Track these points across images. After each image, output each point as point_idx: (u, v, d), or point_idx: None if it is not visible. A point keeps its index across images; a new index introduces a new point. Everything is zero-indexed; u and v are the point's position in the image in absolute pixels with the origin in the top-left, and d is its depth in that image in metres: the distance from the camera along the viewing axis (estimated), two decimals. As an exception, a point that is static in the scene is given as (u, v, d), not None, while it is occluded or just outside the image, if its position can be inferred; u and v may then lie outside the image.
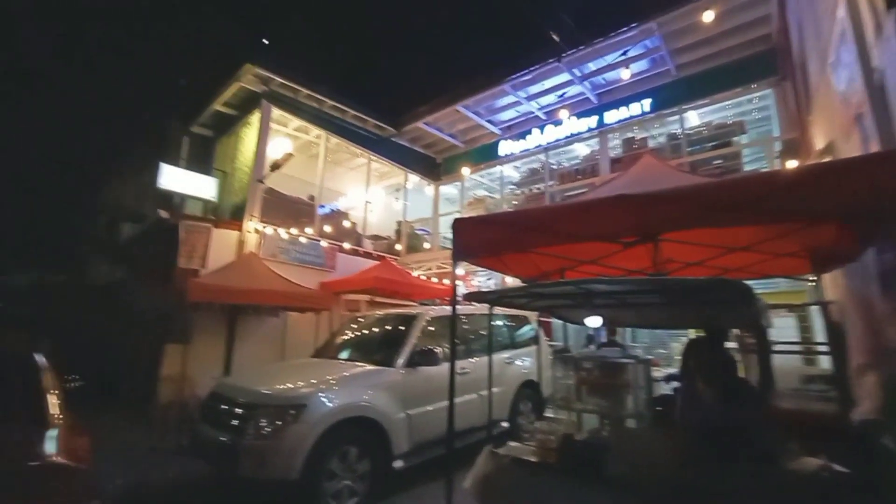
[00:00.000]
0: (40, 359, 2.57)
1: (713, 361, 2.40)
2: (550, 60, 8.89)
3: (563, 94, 9.69)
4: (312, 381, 3.93)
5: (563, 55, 8.69)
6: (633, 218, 2.44)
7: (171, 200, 9.57)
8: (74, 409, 2.58)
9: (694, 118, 8.74)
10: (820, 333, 4.49)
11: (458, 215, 8.99)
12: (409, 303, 8.72)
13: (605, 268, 3.59)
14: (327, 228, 9.92)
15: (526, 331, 6.43)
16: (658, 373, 4.53)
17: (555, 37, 8.57)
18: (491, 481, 2.41)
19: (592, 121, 9.40)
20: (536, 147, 10.27)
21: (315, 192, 10.22)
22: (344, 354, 5.03)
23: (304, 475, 3.38)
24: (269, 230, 8.54)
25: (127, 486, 4.16)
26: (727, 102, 8.25)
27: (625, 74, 8.48)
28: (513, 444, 2.77)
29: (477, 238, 2.99)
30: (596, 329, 5.50)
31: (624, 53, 7.88)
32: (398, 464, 4.03)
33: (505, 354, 5.76)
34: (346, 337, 5.46)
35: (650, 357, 4.40)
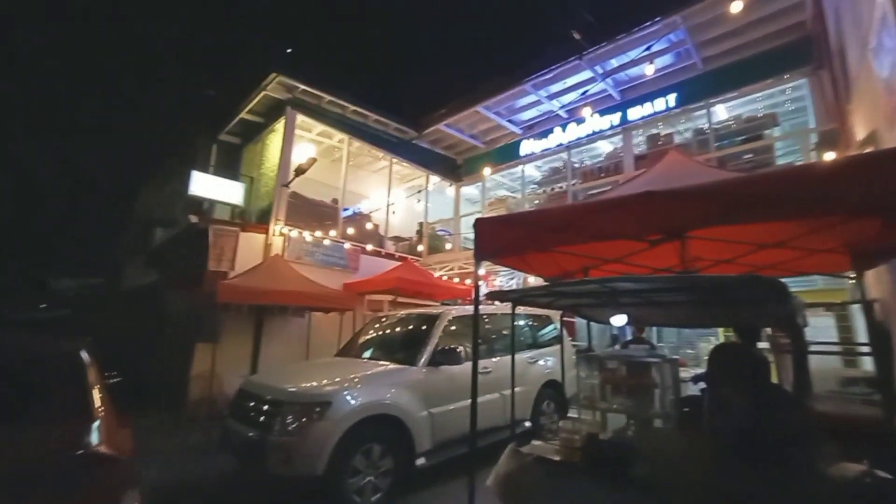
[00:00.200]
0: (84, 356, 2.70)
1: (742, 367, 2.30)
2: (572, 58, 8.78)
3: (585, 91, 9.55)
4: (337, 379, 3.99)
5: (585, 52, 8.57)
6: (660, 215, 2.38)
7: (201, 206, 9.90)
8: (114, 403, 2.71)
9: (722, 112, 8.46)
10: (861, 333, 4.27)
11: (479, 216, 8.98)
12: (431, 303, 8.75)
13: (630, 266, 3.51)
14: (350, 231, 10.07)
15: (549, 330, 6.36)
16: (685, 373, 4.40)
17: (576, 35, 8.48)
18: (514, 479, 2.39)
19: (615, 118, 9.23)
20: (558, 146, 10.15)
21: (338, 195, 10.39)
22: (367, 354, 5.10)
23: (328, 471, 3.44)
24: (294, 233, 8.74)
25: (160, 479, 4.32)
26: (758, 94, 7.95)
27: (648, 70, 8.26)
28: (536, 442, 2.75)
29: (499, 237, 2.98)
30: (620, 328, 5.40)
31: (647, 48, 7.69)
32: (421, 461, 4.05)
33: (527, 354, 5.72)
34: (369, 336, 5.53)
35: (677, 357, 4.28)
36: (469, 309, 5.29)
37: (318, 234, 9.14)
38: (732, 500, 1.81)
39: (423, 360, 4.43)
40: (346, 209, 10.56)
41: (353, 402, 3.73)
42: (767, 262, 3.38)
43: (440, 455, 4.22)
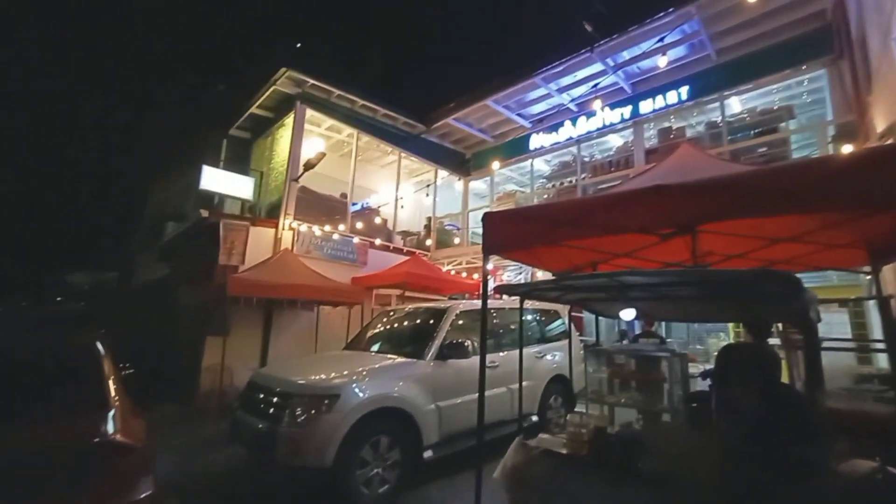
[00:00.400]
0: (100, 347, 2.76)
1: (751, 369, 2.26)
2: (582, 51, 8.67)
3: (596, 84, 9.40)
4: (345, 372, 4.02)
5: (596, 45, 8.45)
6: (671, 208, 2.34)
7: (212, 200, 10.01)
8: (128, 394, 2.77)
9: (736, 105, 8.31)
10: (877, 330, 4.19)
11: (487, 210, 8.95)
12: (439, 297, 8.77)
13: (639, 261, 3.48)
14: (359, 225, 10.11)
15: (556, 325, 6.34)
16: (694, 369, 4.37)
17: (587, 27, 8.35)
18: (521, 472, 2.40)
19: (626, 111, 9.11)
20: (568, 140, 10.06)
21: (347, 189, 10.43)
22: (375, 347, 5.13)
23: (337, 462, 3.47)
24: (303, 227, 8.79)
25: (173, 468, 4.41)
26: (773, 86, 7.78)
27: (661, 62, 8.12)
28: (543, 436, 2.75)
29: (508, 231, 2.96)
30: (629, 323, 5.36)
31: (660, 40, 7.56)
32: (428, 454, 4.08)
33: (535, 348, 5.71)
34: (377, 330, 5.56)
35: (685, 352, 4.24)
36: (477, 303, 5.29)
37: (328, 228, 9.19)
38: (740, 496, 1.80)
39: (430, 353, 4.45)
40: (354, 204, 10.59)
41: (361, 394, 3.76)
42: (781, 257, 3.32)
43: (447, 448, 4.24)
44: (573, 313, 6.52)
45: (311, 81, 9.37)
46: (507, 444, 2.71)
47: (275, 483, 4.22)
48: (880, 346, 3.78)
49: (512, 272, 10.51)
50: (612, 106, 9.25)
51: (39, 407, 2.21)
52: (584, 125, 9.72)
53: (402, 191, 11.41)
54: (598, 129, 9.60)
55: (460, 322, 4.92)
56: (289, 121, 9.60)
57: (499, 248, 3.19)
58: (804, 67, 7.21)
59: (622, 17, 8.16)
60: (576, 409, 5.34)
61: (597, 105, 9.03)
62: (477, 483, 2.65)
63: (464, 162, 12.43)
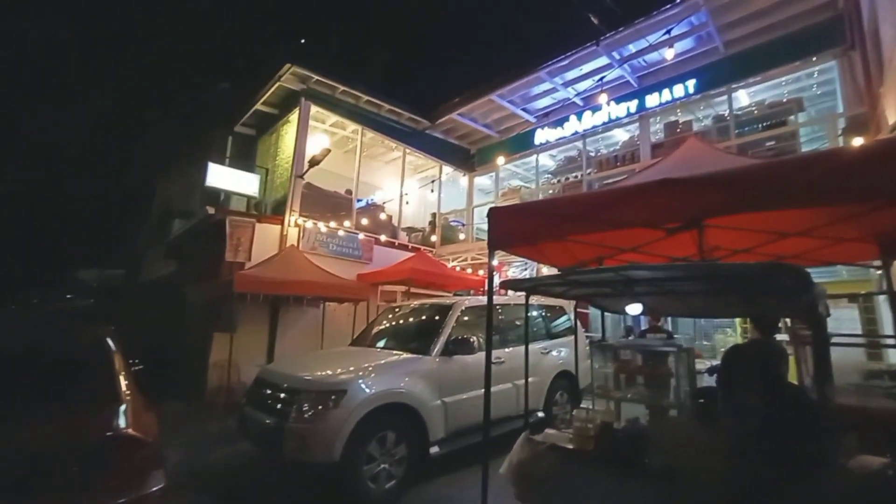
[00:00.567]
0: (110, 343, 2.80)
1: (756, 371, 2.25)
2: (588, 44, 8.59)
3: (602, 78, 9.31)
4: (352, 368, 4.04)
5: (602, 38, 8.36)
6: (678, 202, 2.32)
7: (218, 197, 10.06)
8: (138, 389, 2.80)
9: (744, 98, 8.20)
10: (887, 325, 4.14)
11: (492, 206, 8.92)
12: (444, 293, 8.77)
13: (645, 256, 3.46)
14: (364, 221, 10.12)
15: (562, 321, 6.33)
16: (701, 364, 4.35)
17: (593, 19, 8.26)
18: (527, 467, 2.41)
19: (632, 105, 9.03)
20: (573, 134, 9.99)
21: (352, 186, 10.43)
22: (381, 343, 5.14)
23: (344, 458, 3.49)
24: (308, 224, 8.82)
25: (182, 463, 4.46)
26: (783, 78, 7.67)
27: (668, 55, 8.04)
28: (550, 431, 2.75)
29: (513, 226, 2.95)
30: (635, 319, 5.33)
31: (667, 32, 7.46)
32: (434, 450, 4.09)
33: (541, 344, 5.70)
34: (382, 326, 5.57)
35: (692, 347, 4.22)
36: (482, 299, 5.29)
37: (333, 224, 9.21)
38: (746, 492, 1.79)
39: (436, 349, 4.45)
40: (359, 200, 10.61)
41: (367, 390, 3.77)
42: (789, 251, 3.29)
43: (454, 444, 4.26)
44: (579, 309, 6.51)
45: (316, 77, 9.37)
46: (513, 439, 2.71)
47: (283, 478, 4.26)
48: (891, 341, 3.75)
49: (517, 268, 10.50)
50: (618, 100, 9.17)
51: (53, 401, 2.24)
52: (589, 120, 9.64)
53: (407, 187, 11.40)
54: (604, 124, 9.52)
55: (465, 318, 4.92)
56: (293, 117, 9.61)
57: (504, 244, 3.18)
58: (814, 59, 7.10)
59: (628, 9, 8.07)
60: (582, 406, 5.34)
61: (602, 99, 8.93)
62: (483, 478, 2.66)
63: (468, 157, 12.40)
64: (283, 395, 3.88)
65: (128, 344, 3.01)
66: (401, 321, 5.57)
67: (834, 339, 3.49)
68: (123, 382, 2.51)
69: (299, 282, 7.16)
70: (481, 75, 10.80)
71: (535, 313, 6.04)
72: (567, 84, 9.84)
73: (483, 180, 12.54)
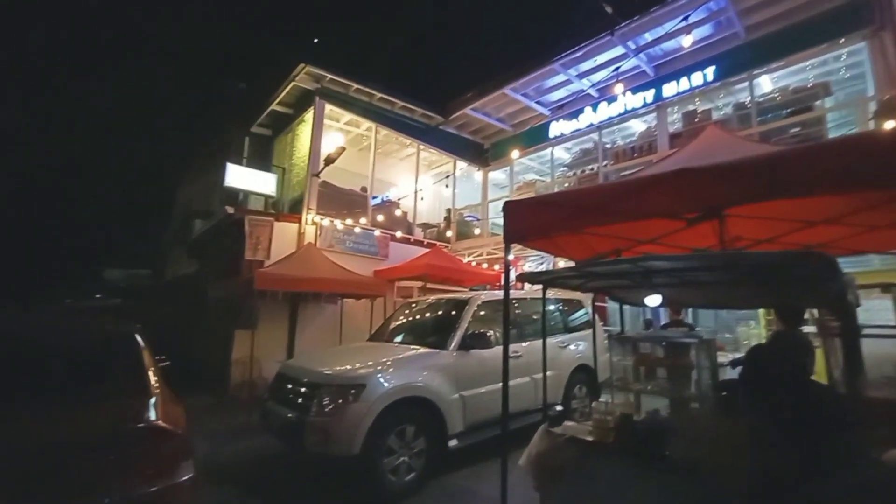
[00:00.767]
0: (139, 339, 2.90)
1: (781, 358, 2.18)
2: (602, 35, 8.44)
3: (617, 68, 9.15)
4: (370, 363, 4.09)
5: (617, 27, 8.21)
6: (698, 191, 2.27)
7: (236, 197, 10.25)
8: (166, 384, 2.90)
9: (766, 84, 7.95)
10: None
11: (507, 200, 8.87)
12: (460, 289, 8.78)
13: (664, 247, 3.40)
14: (380, 218, 10.20)
15: (580, 315, 6.28)
16: (723, 358, 4.25)
17: (607, 9, 8.11)
18: (546, 459, 2.41)
19: (649, 95, 8.85)
20: (589, 126, 9.85)
21: (367, 183, 10.52)
22: (398, 338, 5.19)
23: (364, 450, 3.55)
24: (325, 222, 8.93)
25: (210, 455, 4.60)
26: (808, 62, 7.40)
27: (686, 42, 7.82)
28: (569, 423, 2.74)
29: (529, 220, 2.94)
30: (654, 312, 5.25)
31: (684, 19, 7.29)
32: (453, 443, 4.12)
33: (558, 338, 5.68)
34: (400, 322, 5.62)
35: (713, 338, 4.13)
36: (498, 294, 5.28)
37: (349, 222, 9.31)
38: (769, 485, 1.75)
39: (453, 344, 4.47)
40: (374, 197, 10.69)
41: (386, 384, 3.82)
42: (816, 240, 3.19)
43: (472, 437, 4.28)
44: (596, 303, 6.45)
45: (330, 76, 9.45)
46: (532, 433, 2.72)
47: (305, 470, 4.36)
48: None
49: (533, 262, 10.42)
50: (634, 90, 9.00)
51: (86, 393, 2.34)
52: (605, 111, 9.49)
53: (422, 183, 11.43)
54: (620, 115, 9.36)
55: (482, 313, 4.92)
56: (308, 116, 9.72)
57: (520, 237, 3.17)
58: (842, 41, 6.82)
59: (644, -4, 7.89)
60: (601, 399, 5.31)
61: (618, 89, 8.78)
62: (503, 470, 2.67)
63: (482, 152, 12.34)
64: (303, 390, 3.95)
65: (154, 341, 3.11)
66: (418, 316, 5.60)
67: (866, 331, 3.38)
68: (152, 377, 2.61)
69: (317, 279, 7.27)
70: (494, 69, 10.70)
71: (552, 307, 6.01)
72: (582, 75, 9.70)
73: (497, 175, 12.48)
